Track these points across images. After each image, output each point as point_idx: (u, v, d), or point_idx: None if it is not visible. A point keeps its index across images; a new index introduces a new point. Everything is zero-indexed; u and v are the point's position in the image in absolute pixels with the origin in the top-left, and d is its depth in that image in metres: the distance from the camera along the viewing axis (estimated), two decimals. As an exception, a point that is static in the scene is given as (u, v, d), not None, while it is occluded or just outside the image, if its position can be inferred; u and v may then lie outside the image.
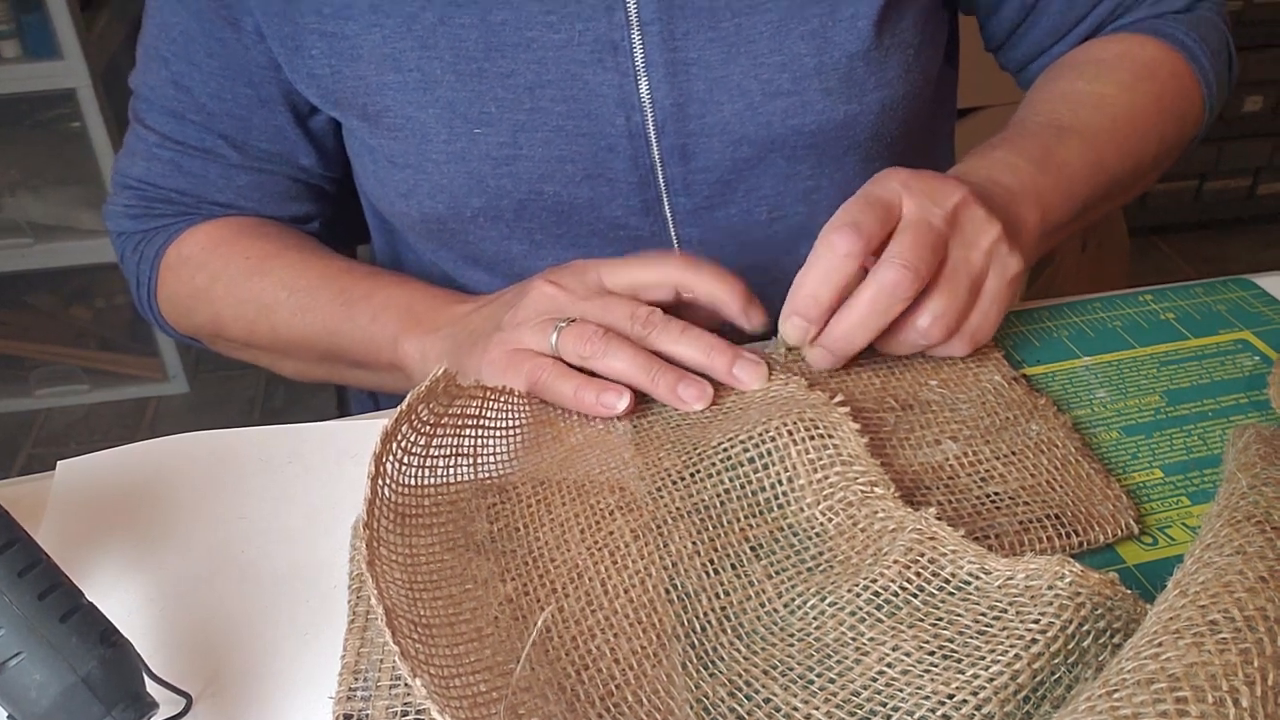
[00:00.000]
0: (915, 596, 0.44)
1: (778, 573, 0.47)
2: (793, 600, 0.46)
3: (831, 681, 0.41)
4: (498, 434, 0.55)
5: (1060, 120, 0.69)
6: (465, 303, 0.65)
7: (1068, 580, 0.42)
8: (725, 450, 0.52)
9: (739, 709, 0.41)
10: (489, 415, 0.55)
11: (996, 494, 0.51)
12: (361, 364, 0.69)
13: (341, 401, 1.25)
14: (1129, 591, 0.42)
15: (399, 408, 0.51)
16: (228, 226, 0.75)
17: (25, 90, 1.81)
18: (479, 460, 0.54)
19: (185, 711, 0.45)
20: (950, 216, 0.55)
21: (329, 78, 0.68)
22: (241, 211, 0.76)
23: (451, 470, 0.53)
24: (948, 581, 0.44)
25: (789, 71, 0.66)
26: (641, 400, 0.57)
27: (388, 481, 0.49)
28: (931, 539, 0.45)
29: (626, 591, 0.46)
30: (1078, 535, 0.49)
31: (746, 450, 0.51)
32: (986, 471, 0.53)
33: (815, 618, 0.45)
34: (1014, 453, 0.54)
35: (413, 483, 0.50)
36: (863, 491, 0.49)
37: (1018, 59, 0.80)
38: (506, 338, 0.57)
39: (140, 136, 0.75)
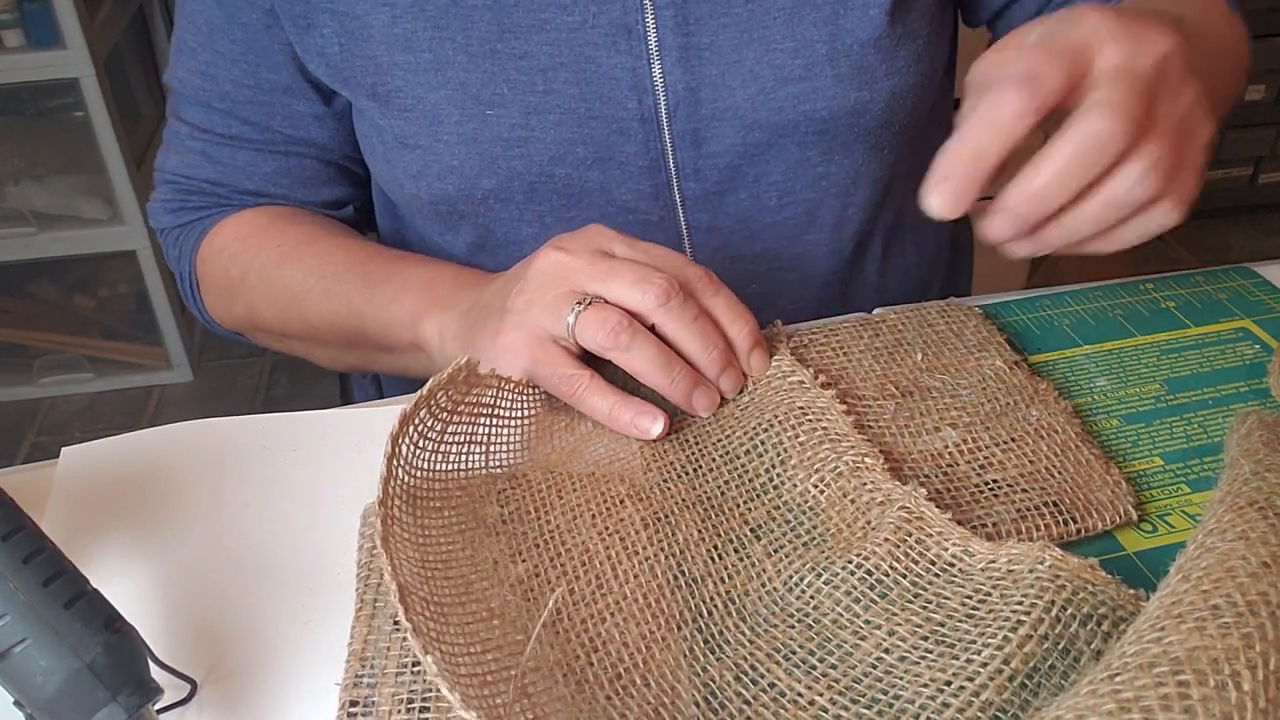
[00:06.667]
0: (904, 577, 0.45)
1: (776, 550, 0.48)
2: (791, 578, 0.46)
3: (833, 667, 0.42)
4: (512, 423, 0.56)
5: (1169, 11, 0.59)
6: (488, 281, 0.62)
7: (1047, 564, 0.42)
8: (724, 446, 0.54)
9: (745, 693, 0.42)
10: (503, 405, 0.55)
11: (995, 481, 0.52)
12: (386, 347, 0.68)
13: (345, 390, 1.25)
14: (1109, 576, 0.42)
15: (420, 392, 0.51)
16: (259, 216, 0.75)
17: (28, 79, 1.81)
18: (492, 449, 0.54)
19: (190, 697, 0.45)
20: (1158, 67, 0.46)
21: (338, 56, 0.68)
22: (272, 200, 0.76)
23: (464, 457, 0.53)
24: (933, 563, 0.45)
25: (801, 58, 0.66)
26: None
27: (402, 464, 0.49)
28: (919, 519, 0.46)
29: (636, 576, 0.47)
30: (1076, 522, 0.50)
31: (743, 444, 0.53)
32: (986, 459, 0.53)
33: (812, 596, 0.45)
34: (1014, 439, 0.54)
35: (426, 467, 0.51)
36: (853, 462, 0.50)
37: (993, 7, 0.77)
38: (519, 319, 0.55)
39: (174, 130, 0.76)
